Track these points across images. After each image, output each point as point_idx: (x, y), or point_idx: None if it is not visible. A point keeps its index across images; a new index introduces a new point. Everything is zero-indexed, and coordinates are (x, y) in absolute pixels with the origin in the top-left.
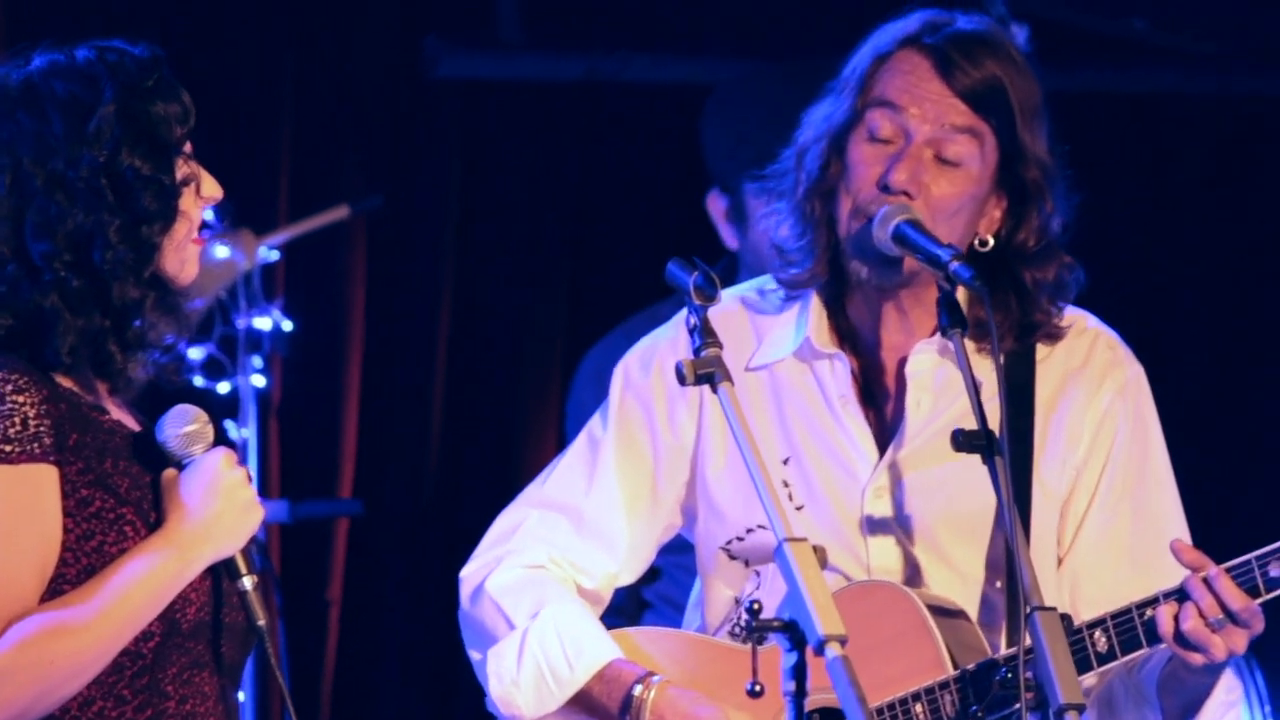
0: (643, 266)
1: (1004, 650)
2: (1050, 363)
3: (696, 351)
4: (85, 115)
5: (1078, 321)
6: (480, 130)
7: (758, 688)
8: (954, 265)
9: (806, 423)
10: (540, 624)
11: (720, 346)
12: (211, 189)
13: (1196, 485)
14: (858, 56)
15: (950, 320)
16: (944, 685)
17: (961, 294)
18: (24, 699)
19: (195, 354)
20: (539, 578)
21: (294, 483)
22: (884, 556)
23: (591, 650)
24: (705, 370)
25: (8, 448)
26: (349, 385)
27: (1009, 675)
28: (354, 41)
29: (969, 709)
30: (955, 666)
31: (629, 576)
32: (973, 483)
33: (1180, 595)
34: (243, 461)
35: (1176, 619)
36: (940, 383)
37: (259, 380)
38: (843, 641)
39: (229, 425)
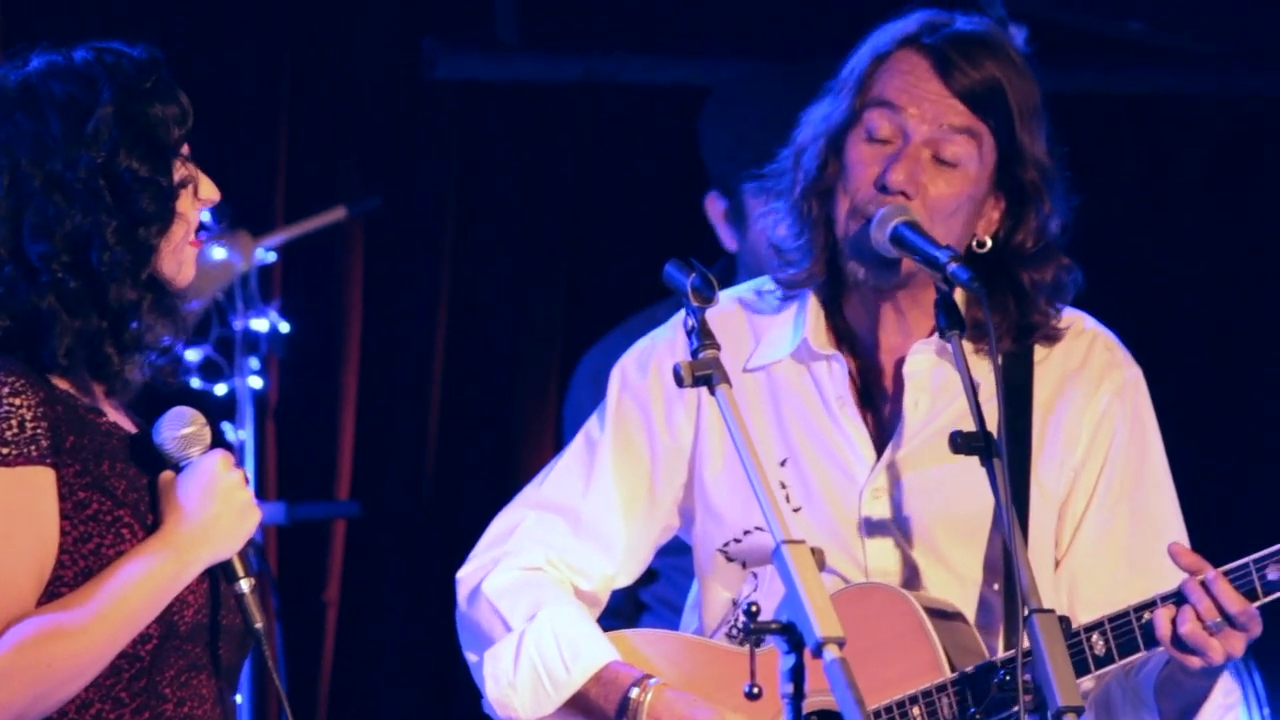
0: (640, 268)
1: (1002, 653)
2: (1048, 364)
3: (694, 353)
4: (83, 116)
5: (1076, 323)
6: (478, 132)
7: (756, 690)
8: (952, 267)
9: (804, 424)
10: (537, 626)
11: (718, 348)
12: (209, 191)
13: (1196, 487)
14: (856, 56)
15: (948, 322)
16: (941, 688)
17: (959, 295)
18: (22, 702)
19: (192, 356)
20: (536, 580)
21: (291, 484)
22: (881, 558)
23: (588, 652)
24: (703, 372)
25: (5, 450)
26: (346, 387)
27: (1007, 678)
28: (352, 43)
29: (967, 711)
30: (953, 669)
31: (626, 578)
32: (970, 484)
33: (1178, 598)
34: (240, 463)
35: (1174, 622)
36: (938, 383)
37: (256, 382)
38: (841, 644)
39: (226, 427)
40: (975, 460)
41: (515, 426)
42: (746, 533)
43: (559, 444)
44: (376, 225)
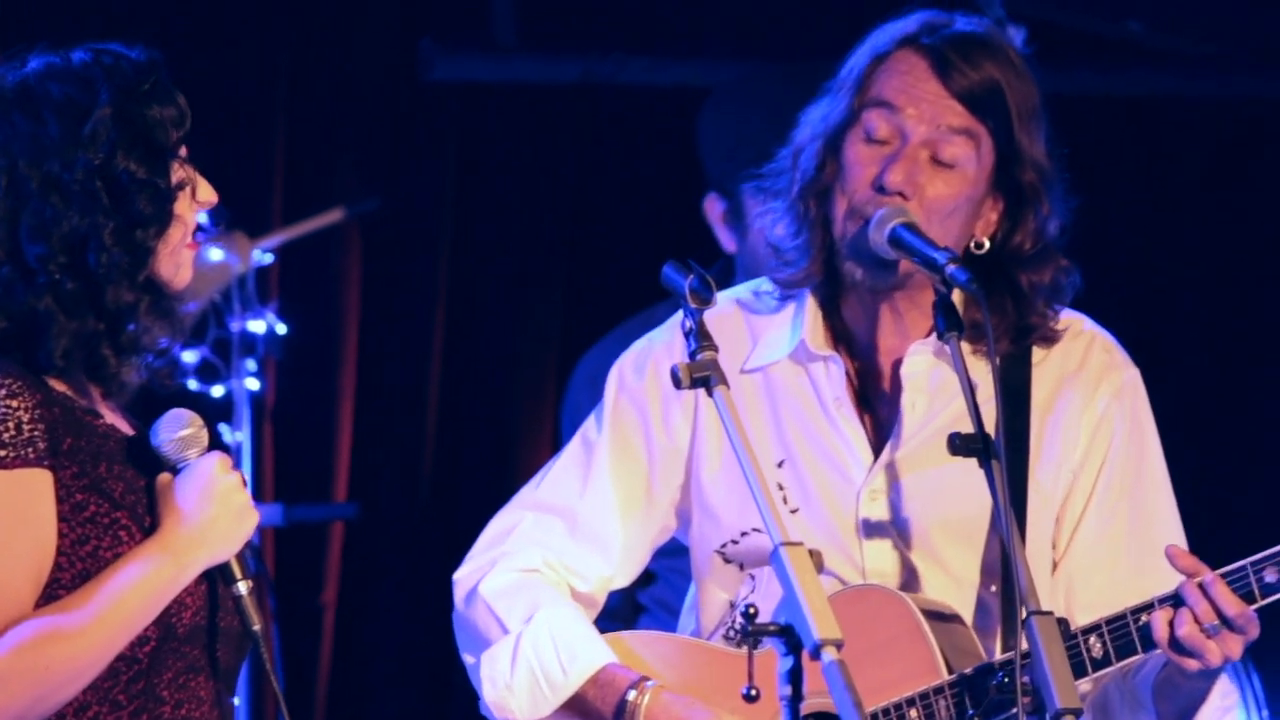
0: (638, 269)
1: (999, 655)
2: (1046, 365)
3: (692, 355)
4: (81, 118)
5: (1074, 324)
6: (476, 133)
7: (753, 692)
8: (950, 268)
9: (801, 425)
10: (534, 628)
11: (716, 350)
12: (206, 194)
13: (1195, 488)
14: (855, 56)
15: (947, 323)
16: (939, 690)
17: (957, 295)
18: (20, 704)
19: (189, 357)
20: (533, 581)
21: (288, 486)
22: (879, 559)
23: (585, 655)
24: (701, 374)
25: (2, 453)
26: (344, 389)
27: (1005, 680)
28: (349, 44)
29: (965, 713)
30: (950, 671)
31: (623, 579)
32: (968, 486)
33: (1175, 601)
34: (237, 465)
35: (1171, 624)
36: (935, 384)
37: (253, 384)
38: (839, 646)
39: (223, 429)
40: (973, 462)
41: (513, 428)
42: (744, 534)
43: (556, 445)
44: (374, 227)
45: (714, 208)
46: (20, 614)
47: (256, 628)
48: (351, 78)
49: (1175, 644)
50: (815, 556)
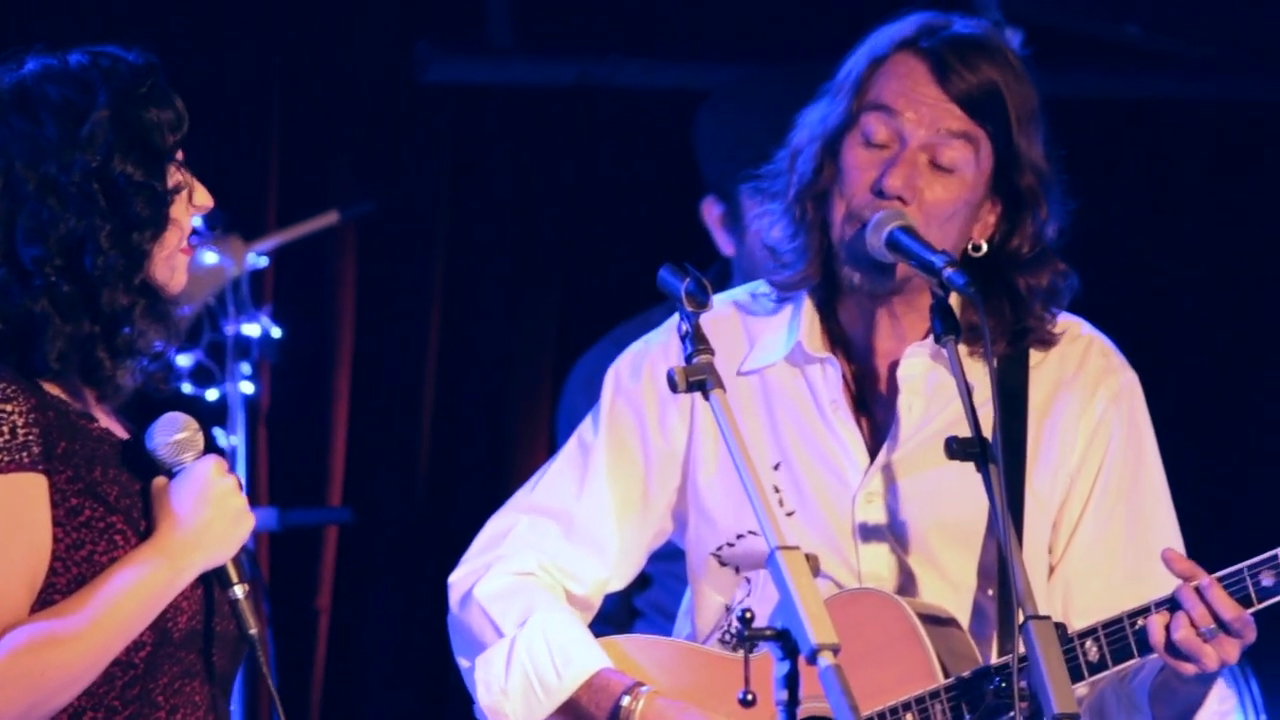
0: (635, 272)
1: (995, 659)
2: (1043, 369)
3: (688, 358)
4: (78, 120)
5: (1071, 328)
6: (471, 135)
7: (749, 697)
8: (948, 272)
9: (797, 428)
10: (529, 632)
11: (712, 353)
12: (203, 198)
13: (1195, 488)
14: (853, 59)
15: (944, 327)
16: (934, 694)
17: (954, 299)
18: (16, 710)
19: (183, 361)
20: (528, 585)
21: (283, 490)
22: (875, 563)
23: (580, 659)
24: (697, 377)
25: None
26: (338, 392)
27: (1003, 684)
28: (345, 46)
29: (961, 718)
30: (946, 675)
31: (619, 582)
32: (965, 489)
33: (1172, 604)
34: (232, 469)
35: (1168, 628)
36: (932, 387)
37: (248, 387)
38: (836, 650)
39: (218, 433)
40: (970, 465)
41: (509, 431)
42: (740, 537)
43: (552, 448)
44: (369, 229)
45: (711, 210)
46: (15, 619)
47: (253, 631)
48: (347, 80)
49: (1172, 648)
50: (811, 560)
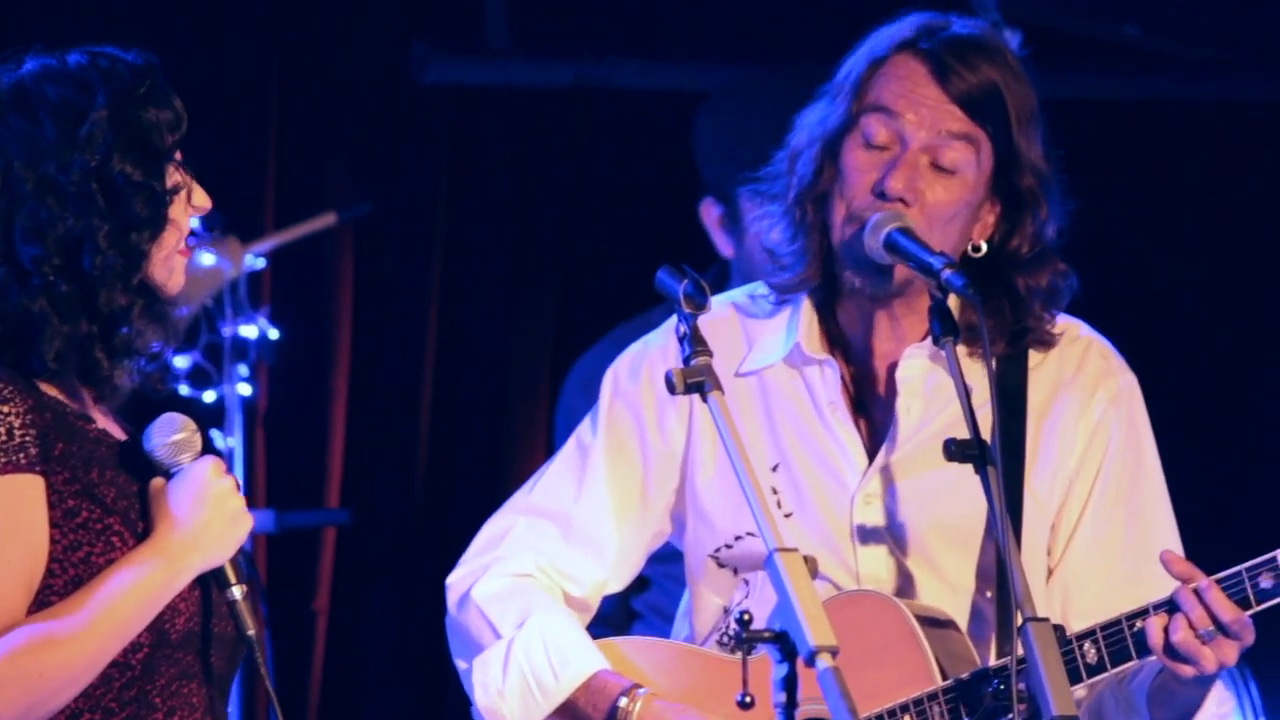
0: (633, 273)
1: (994, 661)
2: (1042, 370)
3: (686, 360)
4: (77, 119)
5: (1070, 329)
6: (469, 137)
7: (748, 699)
8: (946, 273)
9: (796, 429)
10: (526, 634)
11: (710, 355)
12: (201, 199)
13: (1195, 489)
14: (852, 60)
15: (942, 329)
16: (933, 696)
17: (953, 299)
18: (12, 711)
19: (181, 362)
20: (526, 586)
21: (280, 492)
22: (873, 564)
23: (577, 661)
24: (695, 379)
25: None
26: (336, 394)
27: (1001, 686)
28: (342, 47)
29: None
30: (945, 677)
31: (617, 584)
32: (964, 490)
33: (1170, 607)
34: (230, 470)
35: (1166, 630)
36: (931, 388)
37: (245, 389)
38: (834, 653)
39: (215, 434)
40: (969, 467)
41: (506, 432)
42: (738, 538)
43: (550, 450)
44: (366, 231)
45: (710, 212)
46: (12, 621)
47: (251, 632)
48: (344, 81)
49: (1170, 650)
50: (810, 562)
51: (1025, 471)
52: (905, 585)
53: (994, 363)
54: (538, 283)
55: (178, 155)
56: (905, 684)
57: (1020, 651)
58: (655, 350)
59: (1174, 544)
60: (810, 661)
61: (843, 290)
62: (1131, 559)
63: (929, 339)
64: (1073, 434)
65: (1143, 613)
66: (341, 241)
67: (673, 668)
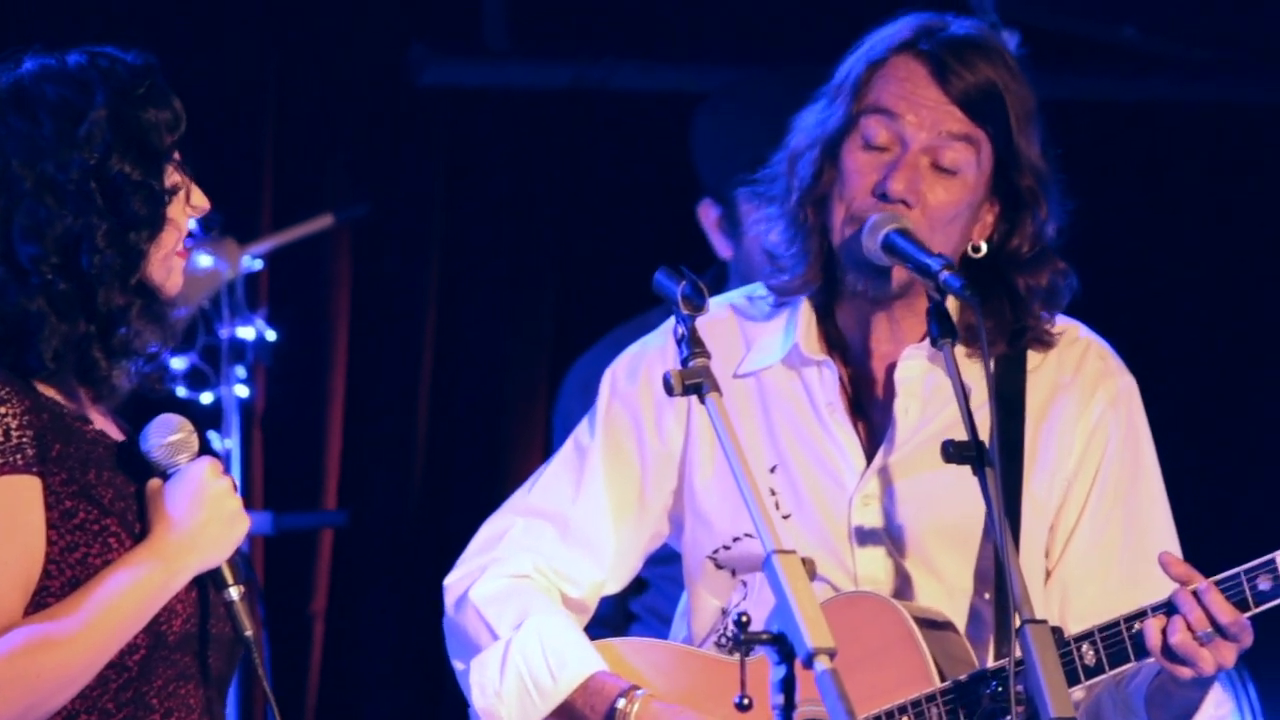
0: (631, 275)
1: (992, 662)
2: (1041, 372)
3: (684, 362)
4: (76, 119)
5: (1069, 331)
6: (466, 138)
7: (746, 700)
8: (944, 275)
9: (794, 430)
10: (524, 635)
11: (708, 356)
12: (200, 199)
13: (1195, 489)
14: (851, 61)
15: (941, 330)
16: (931, 698)
17: (952, 300)
18: (11, 712)
19: (178, 364)
20: (523, 588)
21: (278, 494)
22: (871, 566)
23: (575, 662)
24: (693, 381)
25: None
26: (333, 396)
27: (999, 688)
28: (340, 48)
29: None
30: (943, 678)
31: (615, 585)
32: (962, 492)
33: (1168, 608)
34: (227, 471)
35: (1164, 632)
36: (929, 389)
37: (242, 390)
38: (832, 655)
39: (212, 436)
40: (967, 468)
41: (504, 434)
42: (736, 540)
43: (548, 451)
44: (364, 232)
45: (708, 213)
46: (9, 622)
47: (248, 633)
48: (342, 82)
49: (1168, 652)
50: (808, 564)
51: (1024, 473)
52: (903, 587)
53: (992, 364)
54: (536, 284)
55: (176, 155)
56: (903, 685)
57: (1018, 653)
58: (653, 351)
59: (1172, 546)
60: (808, 663)
61: (843, 292)
62: (1129, 561)
63: (927, 340)
64: (1071, 436)
65: (1141, 614)
66: (339, 243)
67: (671, 669)
